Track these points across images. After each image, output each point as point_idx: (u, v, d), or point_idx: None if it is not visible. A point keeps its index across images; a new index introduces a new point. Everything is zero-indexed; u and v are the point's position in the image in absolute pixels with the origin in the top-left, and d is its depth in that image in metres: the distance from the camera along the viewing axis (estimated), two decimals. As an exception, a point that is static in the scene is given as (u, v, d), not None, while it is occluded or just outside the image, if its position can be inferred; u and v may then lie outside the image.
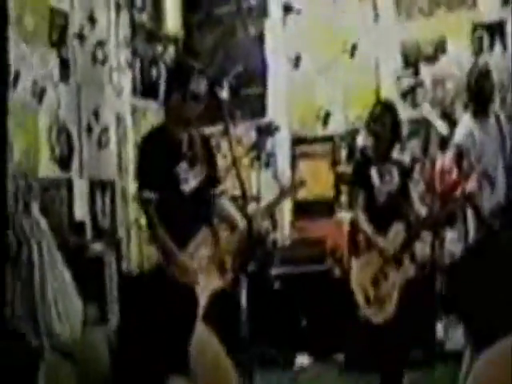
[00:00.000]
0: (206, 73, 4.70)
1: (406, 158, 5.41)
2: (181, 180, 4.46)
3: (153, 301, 2.58)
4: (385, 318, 4.85)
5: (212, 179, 4.55)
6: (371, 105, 5.31)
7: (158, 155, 4.46)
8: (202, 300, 4.21)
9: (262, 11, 7.93)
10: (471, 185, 5.45)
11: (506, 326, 2.37)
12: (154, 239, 4.57)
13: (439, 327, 6.04)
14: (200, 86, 4.46)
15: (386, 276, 4.95)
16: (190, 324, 2.63)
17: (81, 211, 6.78)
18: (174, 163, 4.47)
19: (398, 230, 5.00)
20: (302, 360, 6.21)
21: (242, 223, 4.46)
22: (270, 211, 5.11)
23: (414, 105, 7.12)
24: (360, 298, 4.97)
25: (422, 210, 5.13)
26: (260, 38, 7.92)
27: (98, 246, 6.48)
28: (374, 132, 5.11)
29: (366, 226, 5.04)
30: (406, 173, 5.24)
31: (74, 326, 5.59)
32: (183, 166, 4.49)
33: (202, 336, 2.79)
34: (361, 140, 6.83)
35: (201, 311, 4.03)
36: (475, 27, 6.92)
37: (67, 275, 5.67)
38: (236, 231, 4.51)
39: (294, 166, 7.72)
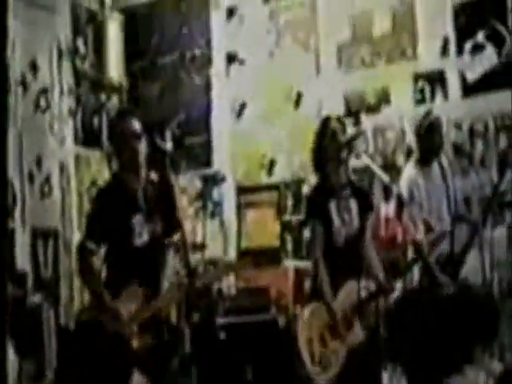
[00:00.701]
0: (148, 122, 4.72)
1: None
2: (135, 234, 4.46)
3: (87, 353, 2.52)
4: (328, 379, 4.68)
5: (170, 226, 4.54)
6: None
7: (112, 206, 4.46)
8: (136, 348, 4.16)
9: (206, 60, 7.96)
10: (417, 234, 5.43)
11: (438, 373, 2.42)
12: (86, 286, 4.57)
13: (385, 377, 6.01)
14: (133, 124, 4.50)
15: (335, 335, 4.77)
16: (125, 375, 2.57)
17: (22, 261, 6.65)
18: (129, 216, 4.47)
19: (351, 289, 4.77)
20: (248, 412, 6.13)
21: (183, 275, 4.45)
22: (214, 280, 5.06)
23: (356, 154, 7.18)
24: (306, 356, 4.72)
25: (381, 272, 5.00)
26: (205, 87, 7.94)
27: (36, 298, 6.34)
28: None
29: (323, 273, 4.82)
30: (367, 205, 5.08)
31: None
32: (138, 218, 4.49)
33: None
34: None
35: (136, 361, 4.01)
36: (416, 78, 7.04)
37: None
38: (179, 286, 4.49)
39: (240, 215, 7.71)
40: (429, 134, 5.79)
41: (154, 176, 4.60)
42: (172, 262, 4.63)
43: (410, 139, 6.50)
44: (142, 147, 4.47)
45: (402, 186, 5.64)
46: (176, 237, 4.57)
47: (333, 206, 4.93)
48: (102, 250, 4.60)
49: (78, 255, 4.59)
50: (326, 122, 5.13)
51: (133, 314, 4.29)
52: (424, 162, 5.83)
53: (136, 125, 4.52)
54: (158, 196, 4.53)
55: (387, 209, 6.46)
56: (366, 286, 4.81)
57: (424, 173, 5.76)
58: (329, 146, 4.95)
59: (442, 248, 5.52)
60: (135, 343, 4.12)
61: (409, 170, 5.81)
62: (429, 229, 5.49)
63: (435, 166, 5.89)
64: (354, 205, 4.99)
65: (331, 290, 4.81)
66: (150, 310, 4.39)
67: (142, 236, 4.48)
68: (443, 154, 6.07)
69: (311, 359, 4.73)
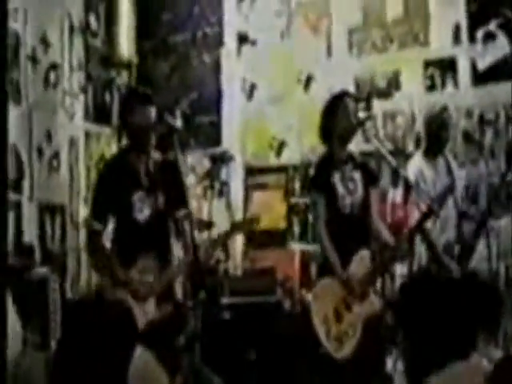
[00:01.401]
0: (158, 100, 4.72)
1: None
2: (135, 209, 4.50)
3: (90, 325, 2.53)
4: (347, 354, 4.71)
5: (178, 201, 4.55)
6: None
7: (114, 185, 4.51)
8: (142, 323, 4.21)
9: (218, 40, 7.95)
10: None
11: (440, 358, 2.44)
12: (97, 266, 4.62)
13: (388, 361, 6.04)
14: (145, 115, 4.50)
15: (350, 307, 4.78)
16: (128, 348, 2.58)
17: (30, 235, 6.67)
18: (131, 192, 4.52)
19: (363, 259, 4.82)
20: (251, 393, 6.16)
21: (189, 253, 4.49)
22: (221, 243, 5.08)
23: (365, 138, 7.18)
24: (322, 333, 4.75)
25: (389, 237, 4.97)
26: (215, 67, 7.93)
27: (43, 270, 6.36)
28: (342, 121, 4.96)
29: (329, 246, 4.83)
30: (370, 178, 5.08)
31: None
32: (140, 194, 4.53)
33: (142, 362, 2.74)
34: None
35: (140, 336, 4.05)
36: (427, 64, 7.02)
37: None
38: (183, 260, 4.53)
39: (247, 196, 7.72)
40: (440, 130, 5.82)
41: (158, 155, 4.63)
42: (177, 238, 4.66)
43: (420, 128, 6.49)
44: (153, 135, 4.51)
45: (409, 172, 5.67)
46: (181, 214, 4.60)
47: (337, 177, 4.95)
48: (110, 228, 4.66)
49: (86, 237, 4.67)
50: (340, 97, 5.11)
51: (150, 286, 4.35)
52: (431, 154, 5.85)
53: (151, 111, 4.53)
54: (161, 174, 4.56)
55: (395, 194, 6.46)
56: (377, 254, 4.85)
57: (431, 164, 5.78)
58: (340, 122, 4.95)
59: (450, 237, 5.52)
60: (148, 315, 4.22)
61: (416, 160, 5.83)
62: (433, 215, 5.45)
63: (441, 159, 5.91)
64: (357, 176, 5.01)
65: (339, 260, 4.80)
66: (163, 283, 4.47)
67: (142, 211, 4.52)
68: (451, 145, 6.09)
69: (327, 336, 4.75)
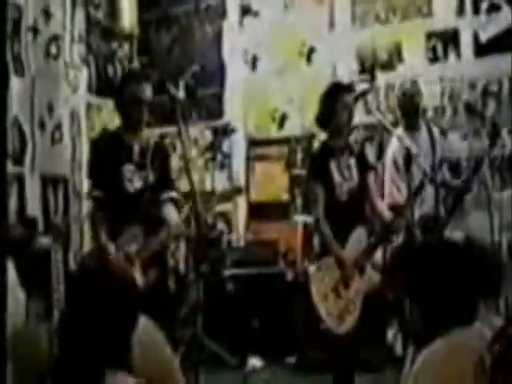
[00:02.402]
0: (160, 72, 4.74)
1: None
2: (125, 179, 4.54)
3: (93, 294, 2.54)
4: (348, 328, 4.72)
5: (164, 184, 4.62)
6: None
7: (107, 157, 4.57)
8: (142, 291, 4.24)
9: (220, 12, 7.92)
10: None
11: (442, 325, 2.45)
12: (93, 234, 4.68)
13: (389, 332, 6.08)
14: (141, 90, 4.53)
15: (348, 284, 4.81)
16: (131, 317, 2.59)
17: (32, 207, 6.68)
18: (122, 164, 4.56)
19: (359, 236, 4.85)
20: (254, 362, 6.19)
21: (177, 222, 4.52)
22: (221, 201, 5.12)
23: (367, 110, 7.17)
24: (322, 310, 4.77)
25: (387, 213, 5.01)
26: (218, 39, 7.91)
27: (46, 241, 6.37)
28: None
29: (326, 229, 4.87)
30: (365, 165, 5.08)
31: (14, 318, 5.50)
32: (131, 167, 4.58)
33: (146, 331, 2.76)
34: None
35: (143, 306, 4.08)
36: (429, 36, 6.99)
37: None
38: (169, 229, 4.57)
39: (249, 168, 7.73)
40: (412, 102, 5.82)
41: (151, 138, 4.69)
42: (170, 211, 4.68)
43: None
44: (146, 114, 4.54)
45: (389, 151, 5.68)
46: (165, 197, 4.66)
47: (333, 164, 4.96)
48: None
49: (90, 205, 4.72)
50: (339, 88, 5.11)
51: (133, 254, 4.43)
52: (412, 126, 5.86)
53: (147, 90, 4.57)
54: (153, 155, 4.61)
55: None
56: (374, 230, 4.90)
57: (412, 138, 5.73)
58: (337, 114, 4.95)
59: (425, 211, 5.51)
60: (138, 283, 4.23)
61: (397, 135, 5.73)
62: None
63: (424, 130, 5.90)
64: (353, 163, 5.01)
65: (337, 242, 4.83)
66: (150, 248, 4.52)
67: (133, 182, 4.56)
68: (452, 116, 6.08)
69: (327, 312, 4.77)
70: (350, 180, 4.96)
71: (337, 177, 4.94)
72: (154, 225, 4.62)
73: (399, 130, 5.81)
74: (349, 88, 5.19)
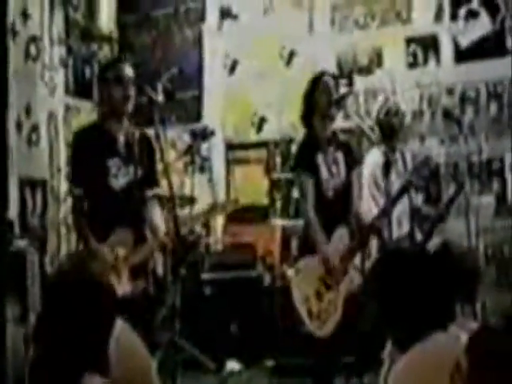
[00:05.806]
0: (139, 75, 4.68)
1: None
2: (110, 175, 4.41)
3: (70, 299, 2.52)
4: (329, 332, 4.70)
5: (149, 180, 4.52)
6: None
7: (90, 150, 4.42)
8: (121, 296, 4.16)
9: (200, 15, 7.91)
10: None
11: (419, 329, 2.48)
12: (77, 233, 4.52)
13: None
14: (123, 69, 4.46)
15: (331, 286, 4.77)
16: (108, 321, 2.58)
17: (10, 210, 6.61)
18: (107, 157, 4.42)
19: (341, 236, 4.82)
20: (232, 365, 6.18)
21: (164, 229, 4.45)
22: (202, 220, 5.05)
23: (346, 115, 7.17)
24: (304, 313, 4.76)
25: (369, 213, 4.99)
26: (197, 42, 7.90)
27: (22, 243, 6.32)
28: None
29: (317, 226, 4.79)
30: (353, 160, 5.06)
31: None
32: (116, 161, 4.44)
33: (123, 334, 2.74)
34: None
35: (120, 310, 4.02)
36: (409, 41, 7.02)
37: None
38: (156, 237, 4.48)
39: (228, 171, 7.72)
40: (389, 119, 5.74)
41: (135, 130, 4.55)
42: (156, 212, 4.59)
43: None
44: (132, 93, 4.43)
45: (366, 167, 5.59)
46: (160, 190, 4.56)
47: (320, 158, 4.93)
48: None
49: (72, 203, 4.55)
50: (319, 76, 5.11)
51: (122, 258, 4.30)
52: (388, 147, 5.81)
53: (129, 71, 4.48)
54: (138, 147, 4.48)
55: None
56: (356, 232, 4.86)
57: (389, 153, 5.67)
58: (320, 100, 4.95)
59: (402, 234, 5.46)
60: (121, 289, 4.12)
61: (374, 154, 5.64)
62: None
63: (397, 153, 5.86)
64: (340, 158, 4.99)
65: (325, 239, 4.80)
66: (139, 256, 4.38)
67: (118, 178, 4.43)
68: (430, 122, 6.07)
69: (309, 316, 4.76)
70: (337, 176, 4.93)
71: (324, 173, 4.91)
72: (141, 226, 4.48)
73: (375, 150, 5.76)
74: (327, 72, 5.20)
